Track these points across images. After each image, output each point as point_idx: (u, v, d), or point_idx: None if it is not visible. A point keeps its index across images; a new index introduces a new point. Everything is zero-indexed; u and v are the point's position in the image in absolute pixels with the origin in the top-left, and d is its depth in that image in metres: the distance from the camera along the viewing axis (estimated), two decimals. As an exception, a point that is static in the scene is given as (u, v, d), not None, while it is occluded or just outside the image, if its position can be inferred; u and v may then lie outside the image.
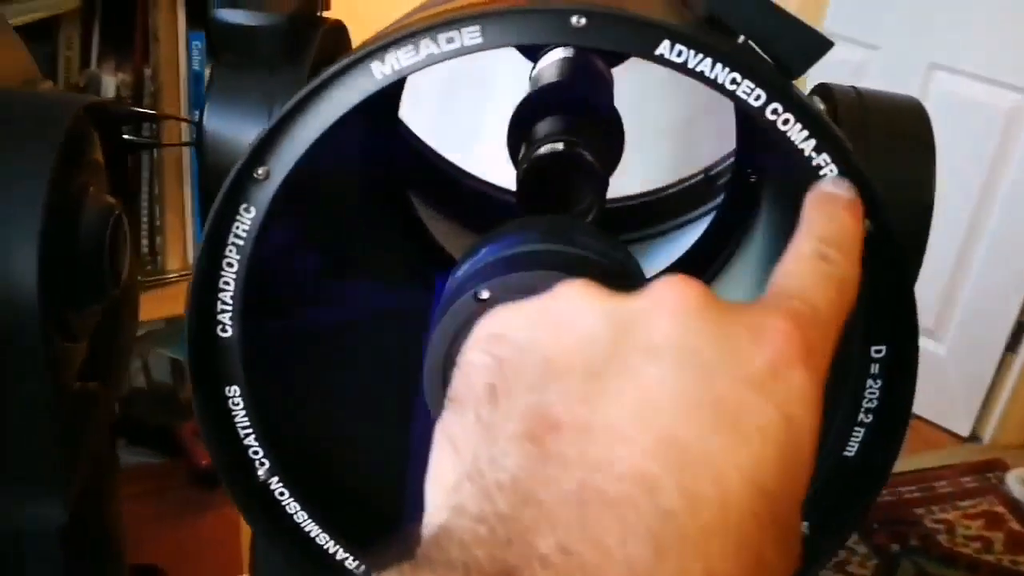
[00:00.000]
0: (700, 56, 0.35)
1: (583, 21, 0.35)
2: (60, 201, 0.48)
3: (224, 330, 0.40)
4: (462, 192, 0.70)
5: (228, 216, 0.39)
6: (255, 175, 0.38)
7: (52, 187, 0.47)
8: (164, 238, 1.30)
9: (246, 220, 0.39)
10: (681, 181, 0.76)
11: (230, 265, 0.40)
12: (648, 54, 0.35)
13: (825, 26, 1.69)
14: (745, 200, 0.67)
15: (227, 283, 0.40)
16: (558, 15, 0.35)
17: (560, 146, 0.59)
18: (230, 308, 0.40)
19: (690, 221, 0.76)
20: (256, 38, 0.52)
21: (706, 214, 0.74)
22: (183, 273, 1.33)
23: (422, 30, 0.36)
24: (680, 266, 0.69)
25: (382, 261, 0.57)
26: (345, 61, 0.36)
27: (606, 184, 0.60)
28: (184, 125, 1.25)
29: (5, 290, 0.45)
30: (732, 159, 0.71)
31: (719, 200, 0.73)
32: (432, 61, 0.36)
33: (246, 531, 1.00)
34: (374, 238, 0.57)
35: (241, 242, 0.39)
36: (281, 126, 0.37)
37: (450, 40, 0.36)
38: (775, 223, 0.61)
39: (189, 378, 0.41)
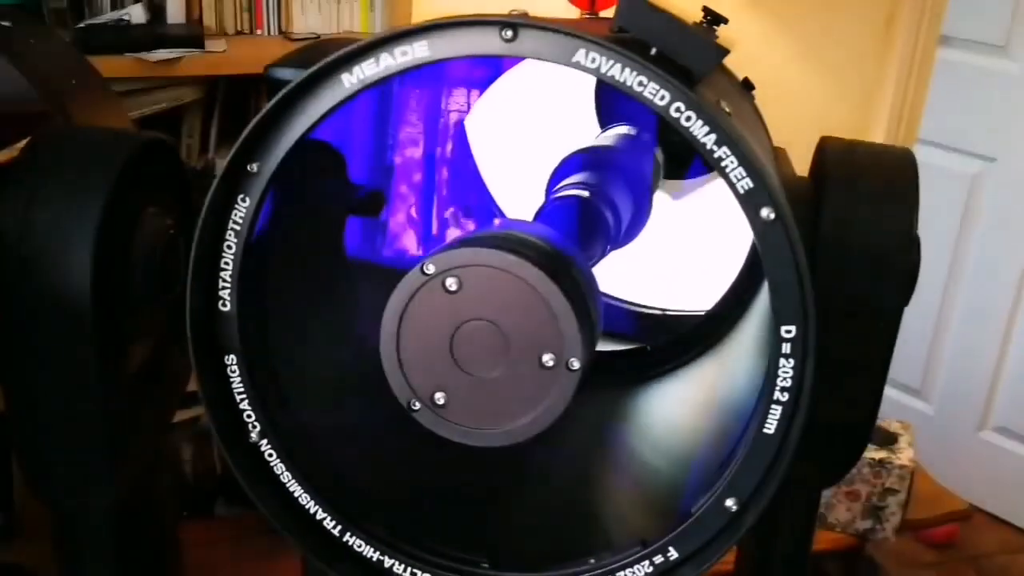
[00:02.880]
0: (611, 63, 0.41)
1: (509, 34, 0.42)
2: (118, 214, 0.56)
3: (224, 304, 0.48)
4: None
5: (226, 205, 0.46)
6: (248, 169, 0.46)
7: (109, 201, 0.55)
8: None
9: (242, 208, 0.46)
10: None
11: (229, 247, 0.47)
12: (567, 61, 0.42)
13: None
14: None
15: (227, 263, 0.47)
16: (494, 26, 0.42)
17: (585, 193, 0.64)
18: (229, 285, 0.47)
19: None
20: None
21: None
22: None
23: (378, 43, 0.43)
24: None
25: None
26: (313, 70, 0.44)
27: (611, 243, 0.65)
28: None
29: (65, 283, 0.54)
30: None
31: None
32: (390, 72, 0.43)
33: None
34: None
35: (238, 227, 0.47)
36: (264, 126, 0.45)
37: (404, 53, 0.43)
38: None
39: (190, 351, 0.48)
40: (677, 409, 0.66)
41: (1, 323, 0.54)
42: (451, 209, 0.77)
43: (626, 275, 0.77)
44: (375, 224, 0.69)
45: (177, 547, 0.78)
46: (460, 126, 0.74)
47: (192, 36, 1.28)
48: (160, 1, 1.32)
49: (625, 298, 0.80)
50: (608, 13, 1.56)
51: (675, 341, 0.73)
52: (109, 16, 1.28)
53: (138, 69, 1.23)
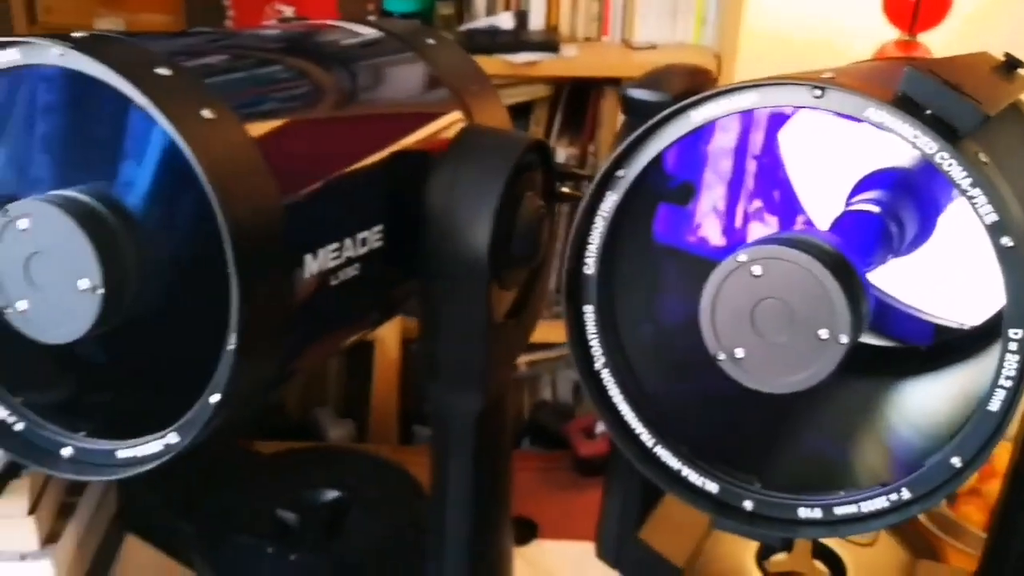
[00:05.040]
0: (894, 119, 0.56)
1: (819, 93, 0.57)
2: (509, 197, 0.77)
3: (589, 268, 0.66)
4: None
5: (597, 198, 0.65)
6: (617, 174, 0.64)
7: (505, 187, 0.76)
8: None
9: (609, 201, 0.65)
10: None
11: (596, 228, 0.66)
12: (860, 115, 0.57)
13: None
14: None
15: (593, 239, 0.66)
16: (809, 87, 0.58)
17: (876, 209, 0.78)
18: (593, 255, 0.66)
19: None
20: (650, 107, 0.78)
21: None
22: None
23: (720, 93, 0.60)
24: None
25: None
26: (671, 110, 0.61)
27: (893, 253, 0.77)
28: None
29: (470, 247, 0.75)
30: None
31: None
32: (726, 113, 0.60)
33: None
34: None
35: (605, 214, 0.65)
36: (635, 143, 0.63)
37: (740, 100, 0.60)
38: None
39: (563, 298, 0.67)
40: (931, 396, 0.78)
41: (424, 273, 0.76)
42: (756, 203, 0.88)
43: (925, 286, 0.87)
44: (681, 212, 0.82)
45: (510, 459, 0.99)
46: (771, 123, 0.85)
47: (549, 42, 1.50)
48: (525, 9, 1.55)
49: (923, 308, 0.90)
50: (926, 35, 1.62)
51: (945, 344, 0.84)
52: (484, 22, 1.53)
53: (503, 69, 1.46)
